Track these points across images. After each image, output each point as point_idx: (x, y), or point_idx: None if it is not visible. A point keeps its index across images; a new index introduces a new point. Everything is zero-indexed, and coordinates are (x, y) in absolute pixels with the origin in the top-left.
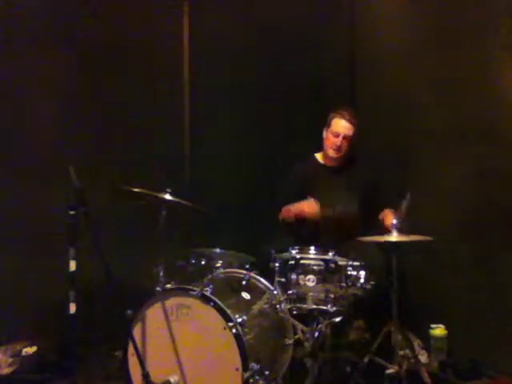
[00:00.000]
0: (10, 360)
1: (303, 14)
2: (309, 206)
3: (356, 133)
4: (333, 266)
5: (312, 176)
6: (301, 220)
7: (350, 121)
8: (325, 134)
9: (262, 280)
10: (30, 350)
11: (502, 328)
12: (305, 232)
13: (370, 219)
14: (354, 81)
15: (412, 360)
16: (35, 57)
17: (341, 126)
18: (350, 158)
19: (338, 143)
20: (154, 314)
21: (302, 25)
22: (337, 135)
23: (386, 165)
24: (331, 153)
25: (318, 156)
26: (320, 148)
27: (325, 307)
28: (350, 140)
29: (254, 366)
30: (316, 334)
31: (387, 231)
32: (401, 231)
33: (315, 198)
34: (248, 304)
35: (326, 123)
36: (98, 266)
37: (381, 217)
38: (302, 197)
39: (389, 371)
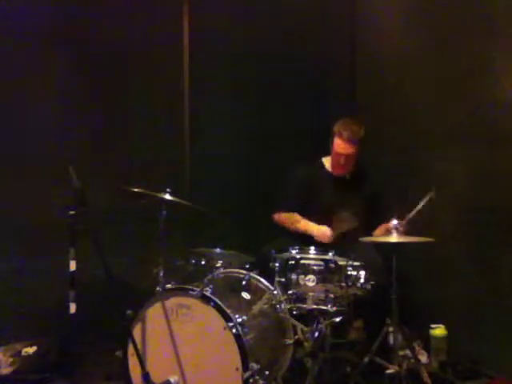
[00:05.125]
0: (10, 360)
1: (303, 13)
2: (321, 235)
3: (359, 145)
4: (333, 266)
5: (316, 180)
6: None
7: (350, 141)
8: (330, 145)
9: (262, 280)
10: (29, 349)
11: (502, 328)
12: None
13: (371, 222)
14: (354, 81)
15: (412, 360)
16: (35, 57)
17: (342, 147)
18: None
19: (342, 162)
20: (154, 313)
21: (302, 25)
22: (339, 155)
23: (386, 165)
24: (338, 170)
25: (325, 161)
26: (322, 152)
27: (325, 307)
28: (354, 155)
29: (254, 366)
30: (316, 333)
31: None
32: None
33: (317, 203)
34: (248, 304)
35: (331, 131)
36: (97, 265)
37: (377, 233)
38: (304, 199)
39: (389, 371)
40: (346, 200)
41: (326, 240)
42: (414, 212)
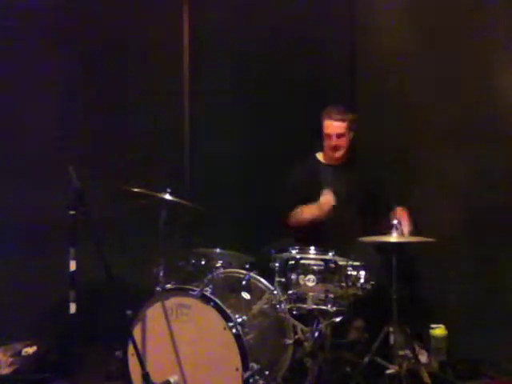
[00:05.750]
0: (10, 360)
1: (303, 13)
2: (325, 200)
3: (351, 126)
4: (333, 265)
5: (313, 175)
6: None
7: (338, 119)
8: (322, 135)
9: (262, 280)
10: (30, 349)
11: (502, 328)
12: (307, 232)
13: (369, 219)
14: (354, 80)
15: (412, 360)
16: (35, 56)
17: (330, 126)
18: (350, 157)
19: (333, 143)
20: (153, 313)
21: (302, 24)
22: (330, 136)
23: (386, 165)
24: (331, 154)
25: (319, 155)
26: (320, 147)
27: (325, 307)
28: (346, 135)
29: (254, 366)
30: (316, 333)
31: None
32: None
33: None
34: (248, 304)
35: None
36: (98, 265)
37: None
38: (304, 197)
39: (389, 371)
40: (344, 188)
41: (330, 203)
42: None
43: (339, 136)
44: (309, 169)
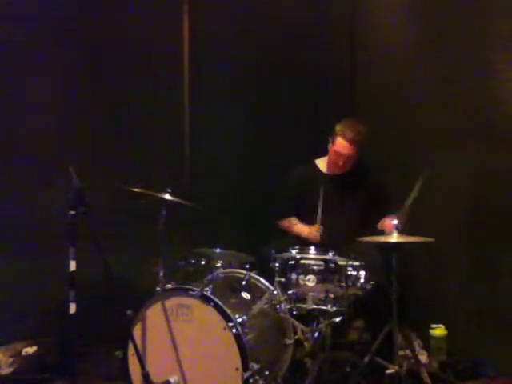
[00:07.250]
0: (10, 360)
1: (304, 13)
2: (311, 234)
3: (361, 148)
4: (333, 266)
5: (311, 182)
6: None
7: (353, 141)
8: (329, 146)
9: (262, 280)
10: (30, 349)
11: (502, 328)
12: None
13: (369, 222)
14: (354, 81)
15: (412, 360)
16: (36, 57)
17: (343, 147)
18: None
19: (341, 163)
20: (153, 313)
21: (302, 25)
22: (338, 155)
23: (385, 166)
24: (334, 169)
25: (319, 162)
26: (320, 153)
27: (325, 307)
28: (354, 157)
29: (254, 366)
30: (316, 334)
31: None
32: (402, 229)
33: (314, 205)
34: (248, 304)
35: (331, 132)
36: (98, 265)
37: (380, 226)
38: (299, 200)
39: (389, 371)
40: (341, 200)
41: (314, 239)
42: (410, 199)
43: (348, 157)
44: (307, 174)
